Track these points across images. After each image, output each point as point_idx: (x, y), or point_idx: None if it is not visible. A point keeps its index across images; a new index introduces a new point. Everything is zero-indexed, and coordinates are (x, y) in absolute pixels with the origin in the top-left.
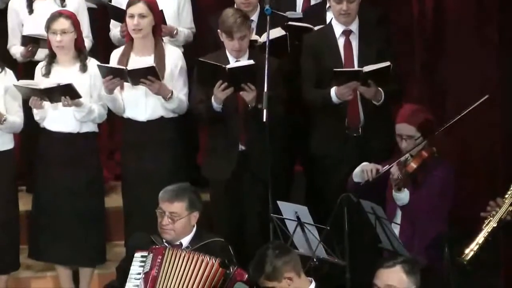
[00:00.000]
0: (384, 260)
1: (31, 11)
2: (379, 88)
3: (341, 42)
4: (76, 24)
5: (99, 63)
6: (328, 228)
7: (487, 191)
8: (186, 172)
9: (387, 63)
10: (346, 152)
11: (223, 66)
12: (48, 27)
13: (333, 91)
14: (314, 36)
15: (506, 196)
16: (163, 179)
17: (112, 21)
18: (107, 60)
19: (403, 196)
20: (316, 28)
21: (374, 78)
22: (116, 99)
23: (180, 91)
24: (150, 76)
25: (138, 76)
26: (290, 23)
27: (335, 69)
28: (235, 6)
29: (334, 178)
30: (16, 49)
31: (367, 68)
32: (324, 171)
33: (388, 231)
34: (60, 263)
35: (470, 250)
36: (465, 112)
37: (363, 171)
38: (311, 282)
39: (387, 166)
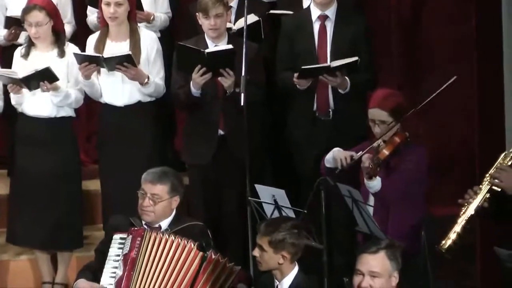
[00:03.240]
0: (367, 245)
1: None
2: (346, 78)
3: (316, 26)
4: (52, 13)
5: (75, 51)
6: (305, 211)
7: (465, 177)
8: (164, 156)
9: (355, 58)
10: (315, 136)
11: (202, 50)
12: (23, 18)
13: (297, 78)
14: (290, 20)
15: (483, 183)
16: (141, 163)
17: (89, 7)
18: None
19: (375, 184)
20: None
21: (342, 67)
22: (93, 84)
23: (156, 75)
24: (126, 63)
25: (114, 63)
26: (271, 11)
27: (302, 67)
28: None
29: (304, 161)
30: None
31: (335, 64)
32: (295, 154)
33: (365, 214)
34: (38, 247)
35: (448, 239)
36: (434, 95)
37: (335, 158)
38: (294, 266)
39: (360, 153)
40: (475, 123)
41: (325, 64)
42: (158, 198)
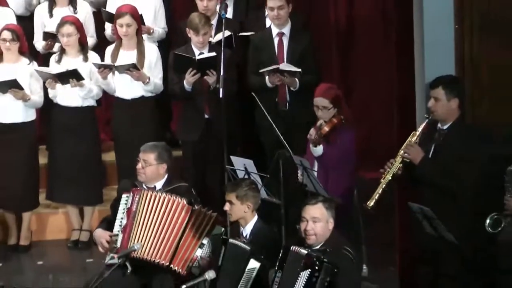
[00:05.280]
0: (308, 199)
1: (51, 15)
2: (296, 79)
3: (276, 41)
4: (79, 27)
5: (94, 61)
6: (268, 176)
7: (386, 151)
8: (163, 135)
9: (299, 70)
10: (277, 121)
11: (194, 57)
12: (57, 30)
13: (267, 79)
14: (257, 36)
15: (397, 156)
16: (145, 140)
17: (106, 23)
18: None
19: (317, 150)
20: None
21: (289, 73)
22: (109, 83)
23: (156, 77)
24: (132, 68)
25: (123, 69)
26: (241, 33)
27: (260, 70)
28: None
29: (268, 139)
30: (39, 44)
31: (282, 67)
32: (261, 134)
33: (312, 178)
34: (69, 203)
35: (372, 199)
36: None
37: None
38: (255, 215)
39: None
40: (393, 109)
41: (275, 66)
42: (147, 163)
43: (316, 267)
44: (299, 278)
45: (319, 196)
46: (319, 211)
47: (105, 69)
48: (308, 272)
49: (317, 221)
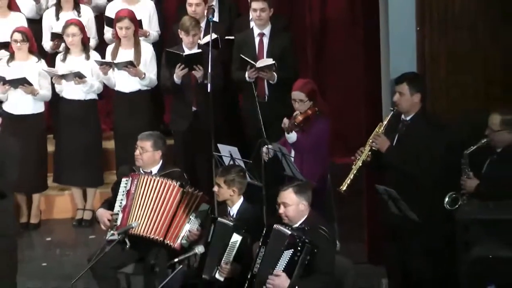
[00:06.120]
0: (283, 185)
1: (58, 18)
2: (274, 73)
3: (257, 40)
4: (82, 29)
5: (96, 59)
6: (251, 161)
7: (355, 138)
8: (157, 125)
9: (272, 61)
10: (257, 112)
11: (181, 53)
12: (63, 31)
13: (246, 74)
14: (240, 36)
15: (366, 145)
16: (141, 130)
17: (106, 27)
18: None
19: (291, 136)
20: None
21: (267, 67)
22: (109, 78)
23: (151, 72)
24: (129, 65)
25: (121, 65)
26: (226, 37)
27: (241, 55)
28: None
29: (250, 128)
30: (47, 44)
31: (258, 65)
32: (244, 124)
33: (290, 163)
34: (74, 185)
35: (345, 183)
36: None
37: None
38: (241, 198)
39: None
40: (361, 102)
41: (253, 63)
42: (144, 150)
43: (299, 247)
44: (282, 256)
45: (293, 181)
46: (289, 197)
47: (105, 66)
48: (291, 252)
49: (287, 205)
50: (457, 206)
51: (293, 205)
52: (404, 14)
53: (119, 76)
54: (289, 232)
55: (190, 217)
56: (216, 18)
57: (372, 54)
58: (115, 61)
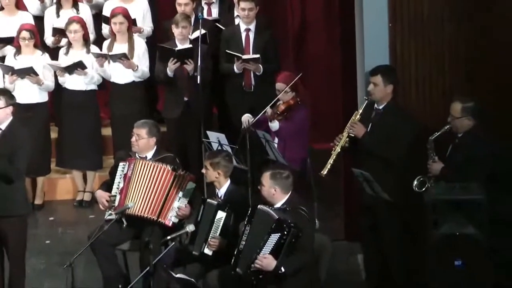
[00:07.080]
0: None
1: (58, 16)
2: (259, 65)
3: (243, 36)
4: (83, 25)
5: (93, 51)
6: (237, 147)
7: (333, 126)
8: (151, 114)
9: (258, 56)
10: (243, 102)
11: (173, 48)
12: (66, 28)
13: (235, 66)
14: (227, 31)
15: (344, 132)
16: (136, 118)
17: (103, 24)
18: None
19: (274, 125)
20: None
21: (253, 60)
22: (105, 70)
23: (143, 65)
24: (123, 57)
25: (116, 58)
26: (216, 24)
27: (226, 50)
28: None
29: (236, 116)
30: (49, 40)
31: (245, 56)
32: (231, 112)
33: (273, 149)
34: (75, 168)
35: (326, 168)
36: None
37: (243, 121)
38: (227, 180)
39: (263, 111)
40: (338, 92)
41: (240, 55)
42: (139, 137)
43: (285, 232)
44: (269, 239)
45: (277, 167)
46: (265, 180)
47: (101, 57)
48: (278, 236)
49: (262, 186)
50: (424, 189)
51: (266, 187)
52: (378, 11)
53: (115, 69)
54: (276, 216)
55: (179, 195)
56: (215, 15)
57: (348, 48)
58: (110, 54)
